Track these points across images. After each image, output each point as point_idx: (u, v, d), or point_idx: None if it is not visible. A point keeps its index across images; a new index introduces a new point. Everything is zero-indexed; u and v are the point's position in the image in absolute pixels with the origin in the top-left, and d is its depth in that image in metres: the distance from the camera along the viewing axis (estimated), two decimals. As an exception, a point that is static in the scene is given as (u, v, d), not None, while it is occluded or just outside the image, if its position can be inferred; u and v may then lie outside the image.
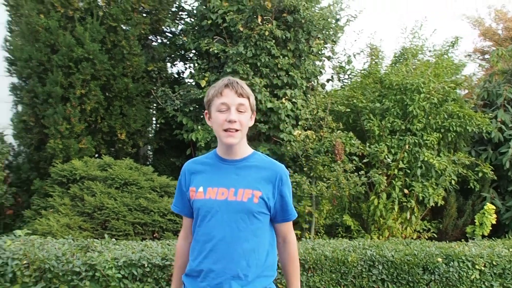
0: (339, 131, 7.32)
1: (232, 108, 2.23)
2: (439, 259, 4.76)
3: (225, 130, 2.24)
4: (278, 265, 2.45)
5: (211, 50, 7.40)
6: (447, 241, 5.62)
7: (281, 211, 2.38)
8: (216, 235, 2.25)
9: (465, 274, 4.81)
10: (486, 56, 12.91)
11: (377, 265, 4.59)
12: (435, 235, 8.03)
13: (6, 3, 7.41)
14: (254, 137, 7.65)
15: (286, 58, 7.36)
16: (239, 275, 2.24)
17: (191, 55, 8.47)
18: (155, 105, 8.31)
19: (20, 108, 7.46)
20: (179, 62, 9.06)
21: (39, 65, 7.04)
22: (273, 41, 7.19)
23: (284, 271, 2.48)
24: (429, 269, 4.73)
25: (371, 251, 4.69)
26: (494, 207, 7.73)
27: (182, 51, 8.64)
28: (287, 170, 2.45)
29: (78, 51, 6.95)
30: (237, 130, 2.24)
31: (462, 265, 4.83)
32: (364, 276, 4.56)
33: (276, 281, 4.26)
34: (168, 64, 9.03)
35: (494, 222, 7.66)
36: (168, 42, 8.80)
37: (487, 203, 7.88)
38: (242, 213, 2.26)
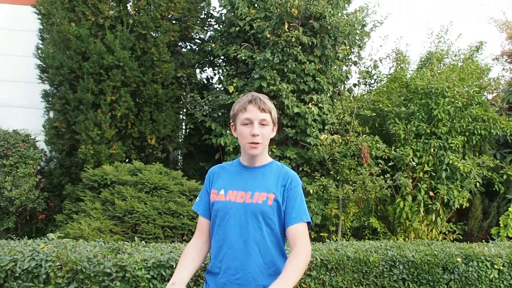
0: (365, 135, 7.40)
1: (255, 123, 2.42)
2: (459, 259, 4.83)
3: (249, 143, 2.44)
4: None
5: (239, 56, 7.52)
6: (469, 242, 5.67)
7: (289, 213, 2.48)
8: (234, 234, 2.43)
9: (484, 273, 4.88)
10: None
11: (398, 265, 4.68)
12: (460, 237, 8.08)
13: (38, 11, 7.54)
14: (281, 141, 7.75)
15: (313, 63, 7.45)
16: (256, 271, 2.41)
17: (219, 61, 8.60)
18: (184, 110, 8.43)
19: (51, 114, 7.61)
20: (208, 68, 9.20)
21: (71, 72, 7.17)
22: (300, 47, 7.28)
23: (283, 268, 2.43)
24: (449, 268, 4.80)
25: (392, 251, 4.78)
26: (518, 209, 7.77)
27: (211, 57, 8.76)
28: (299, 178, 2.59)
29: (109, 58, 7.08)
30: (259, 143, 2.44)
31: (481, 265, 4.90)
32: (386, 275, 4.64)
33: (300, 281, 4.37)
34: (197, 70, 9.16)
35: (518, 223, 7.70)
36: (197, 49, 8.93)
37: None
38: (257, 214, 2.43)
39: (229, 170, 2.62)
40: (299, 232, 2.46)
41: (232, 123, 2.58)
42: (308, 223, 2.51)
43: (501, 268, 4.95)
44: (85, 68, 7.09)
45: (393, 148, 7.60)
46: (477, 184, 7.82)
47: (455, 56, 8.91)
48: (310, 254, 2.47)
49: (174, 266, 3.87)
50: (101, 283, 3.63)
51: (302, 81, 7.45)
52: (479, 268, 4.87)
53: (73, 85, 7.22)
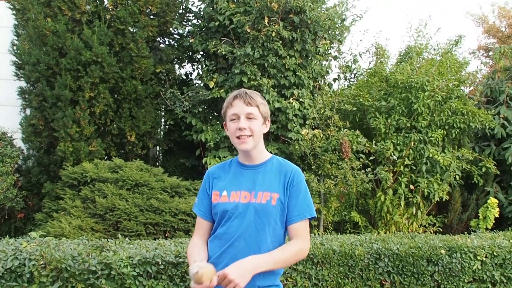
0: (346, 130, 7.42)
1: (242, 117, 2.38)
2: (443, 251, 4.87)
3: (238, 138, 2.39)
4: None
5: (218, 51, 7.47)
6: (451, 235, 5.73)
7: (292, 210, 2.43)
8: (236, 233, 2.37)
9: (467, 265, 4.94)
10: (490, 53, 13.00)
11: (383, 258, 4.70)
12: (441, 229, 8.16)
13: (12, 7, 7.40)
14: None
15: (293, 58, 7.44)
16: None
17: (199, 56, 8.54)
18: (164, 106, 8.35)
19: (28, 111, 7.49)
20: (187, 63, 9.13)
21: (47, 68, 7.06)
22: (280, 41, 7.26)
23: None
24: (433, 260, 4.84)
25: (377, 244, 4.79)
26: (497, 201, 7.86)
27: (190, 52, 8.70)
28: (301, 172, 2.53)
29: (86, 54, 6.99)
30: (248, 136, 2.37)
31: (465, 256, 4.95)
32: (371, 268, 4.66)
33: (286, 275, 4.37)
34: (176, 66, 9.09)
35: (497, 215, 7.80)
36: (176, 44, 8.87)
37: (491, 197, 8.03)
38: (261, 214, 2.38)
39: (228, 170, 2.55)
40: (299, 230, 2.45)
41: (224, 123, 2.53)
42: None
43: (484, 259, 5.01)
44: (63, 64, 6.98)
45: (374, 142, 7.64)
46: (457, 177, 7.90)
47: (434, 50, 8.99)
48: (307, 251, 2.44)
49: (160, 263, 3.84)
50: (86, 281, 3.57)
51: (282, 76, 7.43)
52: (463, 259, 4.92)
53: (51, 81, 7.10)
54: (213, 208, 2.47)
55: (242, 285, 2.13)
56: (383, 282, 4.70)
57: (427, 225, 8.18)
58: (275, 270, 2.40)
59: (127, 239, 4.46)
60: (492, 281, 5.08)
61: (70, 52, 6.99)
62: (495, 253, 5.08)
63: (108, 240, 4.21)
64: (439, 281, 4.84)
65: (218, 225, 2.46)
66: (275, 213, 2.40)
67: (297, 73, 7.44)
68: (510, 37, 14.41)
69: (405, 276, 4.74)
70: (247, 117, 2.38)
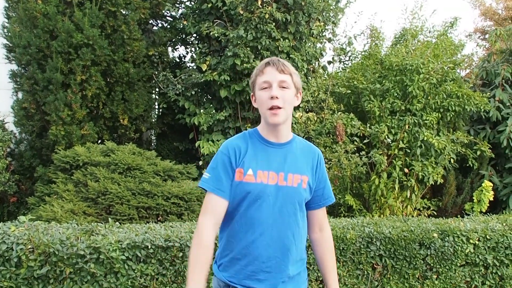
0: (340, 113, 7.37)
1: (274, 85, 2.19)
2: (435, 235, 4.84)
3: (270, 109, 2.19)
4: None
5: (211, 33, 7.39)
6: (445, 218, 5.71)
7: (320, 195, 2.38)
8: (267, 220, 2.22)
9: (460, 248, 4.90)
10: (487, 36, 12.92)
11: (375, 242, 4.67)
12: (435, 213, 8.16)
13: (2, -11, 7.31)
14: (256, 120, 7.68)
15: (287, 40, 7.37)
16: (290, 260, 2.25)
17: (192, 39, 8.44)
18: (157, 89, 8.30)
19: (20, 95, 7.41)
20: (180, 46, 9.04)
21: (38, 51, 6.98)
22: (274, 23, 7.18)
23: (323, 264, 2.44)
24: (425, 244, 4.81)
25: (369, 228, 4.76)
26: (492, 184, 7.84)
27: (183, 35, 8.62)
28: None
29: (78, 36, 6.89)
30: (280, 108, 2.18)
31: (457, 240, 4.91)
32: (363, 252, 4.64)
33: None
34: (169, 49, 9.01)
35: (491, 199, 7.78)
36: (168, 27, 8.78)
37: (485, 180, 7.98)
38: (293, 198, 2.24)
39: (251, 145, 2.29)
40: (325, 214, 2.45)
41: (252, 94, 2.32)
42: None
43: (477, 242, 4.99)
44: (54, 47, 6.89)
45: (368, 125, 7.59)
46: (451, 160, 7.87)
47: (429, 32, 8.91)
48: None
49: (150, 247, 3.83)
50: (74, 265, 3.56)
51: (276, 58, 7.34)
52: (455, 243, 4.89)
53: (42, 64, 7.02)
54: (234, 187, 2.24)
55: None
56: (375, 266, 4.69)
57: (421, 209, 8.17)
58: (303, 256, 2.37)
59: (117, 223, 4.43)
60: (485, 264, 5.07)
61: (61, 34, 6.90)
62: (488, 237, 5.06)
63: (98, 224, 4.18)
64: (432, 264, 4.83)
65: (240, 207, 2.25)
66: (305, 197, 2.29)
67: (290, 55, 7.36)
68: (506, 20, 14.30)
69: (397, 260, 4.73)
70: (280, 86, 2.19)
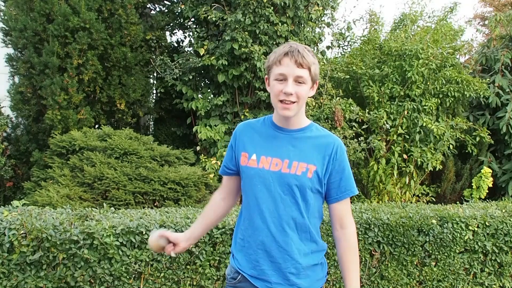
0: (338, 98, 7.34)
1: (290, 80, 2.10)
2: (434, 221, 4.80)
3: (281, 101, 2.13)
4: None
5: (209, 17, 7.28)
6: (444, 204, 5.69)
7: (336, 187, 2.26)
8: (267, 207, 2.21)
9: (458, 235, 4.87)
10: (486, 22, 12.80)
11: (373, 228, 4.63)
12: (434, 199, 8.16)
13: (-2, -29, 7.21)
14: (254, 105, 7.63)
15: (285, 25, 7.27)
16: (293, 249, 2.21)
17: (189, 23, 8.33)
18: (154, 74, 8.22)
19: (16, 79, 7.33)
20: (178, 30, 8.93)
21: (35, 35, 6.88)
22: (272, 8, 7.07)
23: (342, 262, 2.30)
24: (424, 230, 4.78)
25: (367, 214, 4.72)
26: (491, 171, 7.83)
27: (181, 19, 8.49)
28: (343, 144, 2.33)
29: (74, 20, 6.80)
30: (293, 102, 2.12)
31: (456, 226, 4.87)
32: (360, 239, 4.60)
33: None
34: (167, 33, 8.90)
35: (490, 185, 7.78)
36: (166, 11, 8.66)
37: (484, 166, 7.98)
38: (294, 186, 2.18)
39: (260, 130, 2.30)
40: (345, 210, 2.30)
41: (266, 77, 2.27)
42: None
43: (476, 229, 4.96)
44: (50, 31, 6.78)
45: (367, 110, 7.56)
46: (450, 146, 7.86)
47: (429, 17, 8.85)
48: None
49: (144, 233, 3.80)
50: (68, 251, 3.53)
51: (274, 43, 7.27)
52: (454, 229, 4.86)
53: (38, 48, 6.93)
54: (243, 171, 2.30)
55: None
56: (373, 253, 4.67)
57: (420, 195, 8.17)
58: (319, 247, 2.32)
59: (112, 208, 4.40)
60: (484, 251, 5.06)
61: (57, 18, 6.79)
62: (487, 223, 5.04)
63: (92, 209, 4.15)
64: (430, 251, 4.81)
65: (245, 193, 2.33)
66: (310, 187, 2.19)
67: (289, 40, 7.28)
68: (506, 6, 14.18)
69: (395, 246, 4.70)
70: (296, 80, 2.11)
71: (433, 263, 4.86)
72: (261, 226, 2.22)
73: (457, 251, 4.93)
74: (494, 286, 5.12)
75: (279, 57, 2.13)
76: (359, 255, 4.59)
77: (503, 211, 5.33)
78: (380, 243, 4.69)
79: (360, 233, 4.62)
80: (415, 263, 4.81)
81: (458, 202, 6.34)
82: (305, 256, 2.25)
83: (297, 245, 2.22)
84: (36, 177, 6.53)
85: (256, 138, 2.29)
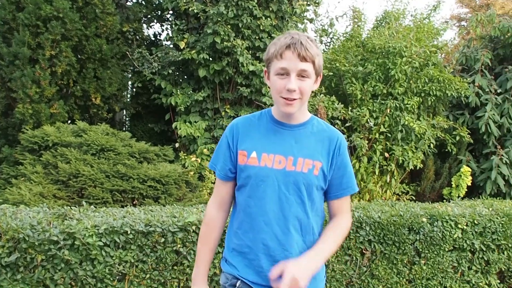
0: (321, 95, 7.20)
1: (292, 75, 1.91)
2: (424, 219, 4.75)
3: (283, 98, 1.95)
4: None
5: (190, 9, 7.06)
6: (424, 202, 5.63)
7: (338, 184, 2.11)
8: (272, 209, 2.02)
9: (448, 233, 4.81)
10: (463, 23, 12.96)
11: (365, 227, 4.51)
12: (413, 198, 8.13)
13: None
14: (235, 101, 7.46)
15: (269, 19, 7.13)
16: (297, 253, 2.02)
17: (168, 15, 8.08)
18: (131, 68, 7.94)
19: (-16, 71, 7.01)
20: (156, 23, 8.69)
21: (3, 24, 6.62)
22: (256, 1, 6.92)
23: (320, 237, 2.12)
24: (414, 229, 4.70)
25: (358, 212, 4.61)
26: (470, 170, 7.84)
27: (159, 11, 8.25)
28: (345, 138, 2.18)
29: (47, 9, 6.53)
30: (295, 99, 1.95)
31: (446, 225, 4.82)
32: (352, 237, 4.48)
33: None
34: (144, 26, 8.64)
35: (469, 184, 7.79)
36: (144, 2, 8.40)
37: (464, 165, 7.99)
38: (301, 185, 2.01)
39: (258, 125, 2.11)
40: (344, 206, 2.15)
41: (265, 70, 2.07)
42: None
43: (465, 227, 4.90)
44: (20, 19, 6.50)
45: (350, 108, 7.45)
46: (431, 145, 7.82)
47: (411, 16, 8.81)
48: (350, 227, 2.16)
49: (129, 232, 3.56)
50: (47, 252, 3.26)
51: (257, 37, 7.11)
52: (444, 228, 4.79)
53: (7, 38, 6.65)
54: (242, 170, 2.08)
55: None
56: (364, 251, 4.53)
57: (400, 193, 8.12)
58: None
59: (92, 206, 4.15)
60: (472, 249, 4.99)
61: (28, 6, 6.52)
62: (475, 221, 4.98)
63: (72, 207, 3.89)
64: (420, 249, 4.71)
65: (243, 193, 2.10)
66: (317, 185, 2.03)
67: (272, 35, 7.13)
68: (482, 7, 14.37)
69: (386, 245, 4.58)
70: (299, 75, 1.92)
71: (423, 262, 4.77)
72: (264, 229, 2.03)
73: (446, 249, 4.85)
74: (480, 284, 5.07)
75: (280, 50, 1.93)
76: (350, 254, 4.47)
77: (490, 209, 5.29)
78: (371, 242, 4.56)
79: (351, 231, 4.48)
80: (405, 261, 4.70)
81: (440, 201, 6.28)
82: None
83: (301, 248, 2.04)
84: (6, 174, 6.24)
85: (254, 134, 2.09)
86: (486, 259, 5.07)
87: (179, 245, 3.72)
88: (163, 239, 3.69)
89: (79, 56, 7.06)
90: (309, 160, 2.02)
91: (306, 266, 1.87)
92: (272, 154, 2.02)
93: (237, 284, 2.10)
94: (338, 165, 2.08)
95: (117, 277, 3.55)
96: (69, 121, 7.13)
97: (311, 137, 2.07)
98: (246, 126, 2.13)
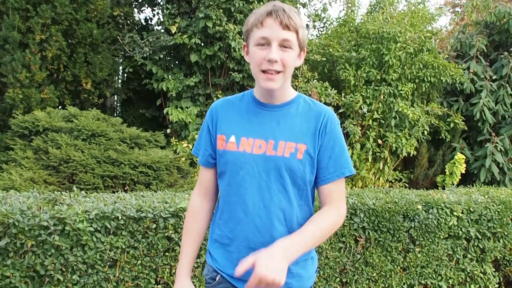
0: (314, 81, 7.12)
1: (274, 45, 1.73)
2: (419, 206, 4.70)
3: (264, 72, 1.76)
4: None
5: (181, -7, 6.97)
6: (425, 190, 5.59)
7: (324, 166, 1.89)
8: (251, 197, 1.86)
9: (443, 220, 4.77)
10: (457, 9, 12.87)
11: (359, 213, 4.46)
12: (407, 185, 8.10)
13: None
14: (227, 87, 7.37)
15: (261, 3, 7.01)
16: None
17: (159, 0, 7.97)
18: (122, 53, 7.83)
19: (-27, 55, 6.90)
20: (147, 8, 8.55)
21: (-7, 8, 6.48)
22: (248, -16, 6.83)
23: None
24: (409, 216, 4.66)
25: (352, 199, 4.56)
26: (464, 157, 7.81)
27: (150, -5, 8.14)
28: (336, 116, 1.95)
29: (36, -8, 6.42)
30: (278, 72, 1.76)
31: (441, 212, 4.78)
32: (345, 224, 4.43)
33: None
34: (135, 10, 8.51)
35: (463, 171, 7.76)
36: (135, -15, 8.28)
37: (458, 153, 7.96)
38: (283, 170, 1.84)
39: (239, 107, 1.95)
40: (335, 192, 1.90)
41: (244, 44, 1.90)
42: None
43: (460, 215, 4.87)
44: (10, 3, 6.38)
45: (343, 94, 7.38)
46: (425, 132, 7.78)
47: (405, 0, 8.73)
48: (344, 217, 1.92)
49: (120, 218, 3.49)
50: (37, 237, 3.20)
51: (250, 22, 7.00)
52: (439, 215, 4.76)
53: (-4, 22, 6.53)
54: (221, 156, 1.93)
55: (282, 282, 1.53)
56: (358, 239, 4.49)
57: (393, 181, 8.09)
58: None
59: (83, 192, 4.08)
60: (467, 237, 4.96)
61: (18, -11, 6.40)
62: (471, 209, 4.95)
63: (62, 193, 3.82)
64: (415, 237, 4.68)
65: (223, 181, 1.95)
66: (302, 171, 1.84)
67: (265, 20, 7.01)
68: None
69: (381, 232, 4.54)
70: (281, 45, 1.74)
71: (418, 249, 4.73)
72: (244, 220, 1.88)
73: (441, 237, 4.82)
74: (475, 272, 5.05)
75: (260, 18, 1.75)
76: (344, 241, 4.43)
77: (486, 197, 5.26)
78: (365, 229, 4.52)
79: (346, 218, 4.43)
80: (400, 249, 4.67)
81: (434, 189, 6.25)
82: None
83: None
84: (-4, 159, 6.15)
85: (234, 117, 1.94)
86: (481, 247, 5.04)
87: (170, 231, 3.66)
88: (154, 225, 3.64)
89: (69, 41, 6.95)
90: (292, 143, 1.84)
91: (276, 261, 1.57)
92: (251, 138, 1.87)
93: (217, 278, 1.99)
94: (325, 145, 1.87)
95: (108, 263, 3.49)
96: (59, 106, 7.05)
97: (296, 117, 1.89)
98: (225, 109, 1.98)
